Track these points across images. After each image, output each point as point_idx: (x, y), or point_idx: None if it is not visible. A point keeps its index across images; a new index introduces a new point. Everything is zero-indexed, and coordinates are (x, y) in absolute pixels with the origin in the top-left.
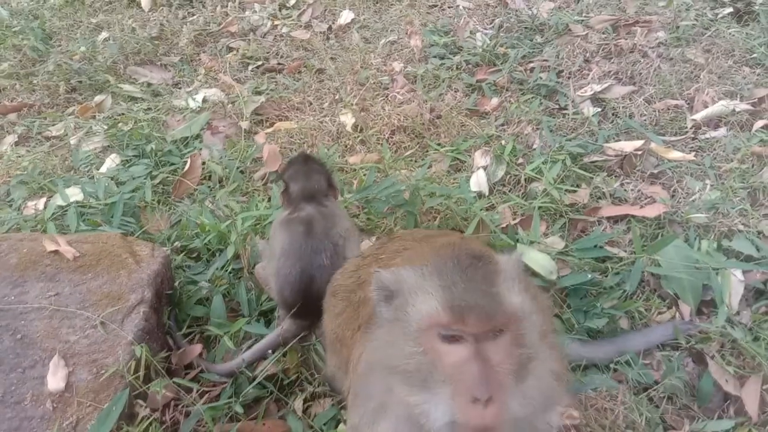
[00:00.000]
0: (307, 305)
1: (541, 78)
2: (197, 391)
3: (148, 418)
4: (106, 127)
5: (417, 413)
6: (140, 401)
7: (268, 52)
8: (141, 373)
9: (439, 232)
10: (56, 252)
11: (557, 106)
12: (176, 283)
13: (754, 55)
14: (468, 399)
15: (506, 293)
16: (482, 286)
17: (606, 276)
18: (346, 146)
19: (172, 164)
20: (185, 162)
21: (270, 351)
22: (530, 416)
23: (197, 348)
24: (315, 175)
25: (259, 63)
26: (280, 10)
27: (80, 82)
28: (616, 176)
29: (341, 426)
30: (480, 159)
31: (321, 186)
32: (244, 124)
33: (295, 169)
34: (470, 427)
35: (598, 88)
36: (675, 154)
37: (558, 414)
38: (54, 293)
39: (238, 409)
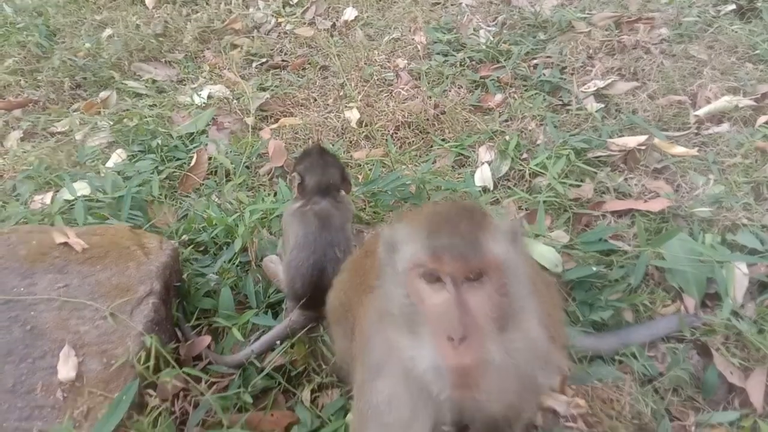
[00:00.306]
0: (315, 297)
1: (544, 74)
2: (206, 382)
3: (158, 408)
4: (111, 122)
5: (409, 365)
6: (150, 391)
7: (272, 49)
8: (151, 363)
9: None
10: (65, 244)
11: (561, 102)
12: (184, 276)
13: (757, 51)
14: (444, 338)
15: (489, 242)
16: (463, 232)
17: (611, 269)
18: (350, 142)
19: (178, 159)
20: (191, 157)
21: (278, 342)
22: (520, 373)
23: (206, 339)
24: (331, 169)
25: (264, 60)
26: (283, 7)
27: (85, 78)
28: (620, 171)
29: (349, 416)
30: (484, 154)
31: (335, 180)
32: (250, 120)
33: (310, 162)
34: (448, 367)
35: (601, 84)
36: (678, 150)
37: (555, 377)
38: (63, 284)
39: (247, 399)
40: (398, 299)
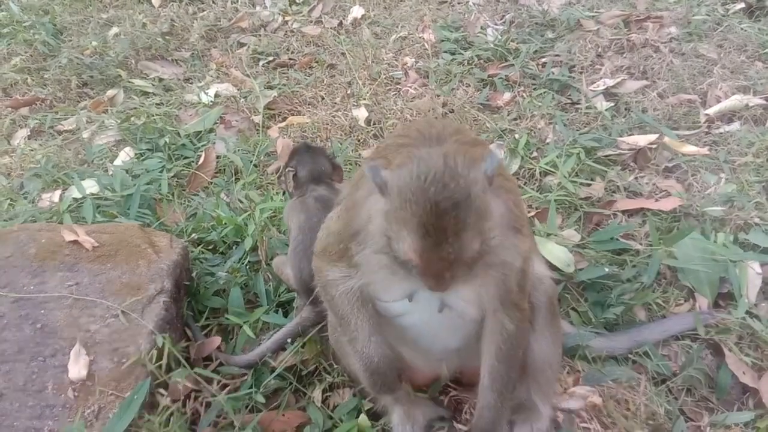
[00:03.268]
0: None
1: (553, 73)
2: (218, 383)
3: (169, 408)
4: (118, 121)
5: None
6: (161, 391)
7: (279, 48)
8: (163, 362)
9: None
10: (75, 242)
11: (570, 101)
12: (193, 274)
13: (767, 50)
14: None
15: (470, 241)
16: (455, 239)
17: (623, 269)
18: (359, 140)
19: (186, 158)
20: (199, 156)
21: (289, 340)
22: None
23: (216, 340)
24: (320, 158)
25: (270, 58)
26: (290, 5)
27: (92, 76)
28: (630, 170)
29: (362, 416)
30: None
31: (326, 167)
32: (257, 119)
33: (299, 156)
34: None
35: (610, 82)
36: (689, 148)
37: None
38: (74, 283)
39: (260, 399)
40: (383, 248)
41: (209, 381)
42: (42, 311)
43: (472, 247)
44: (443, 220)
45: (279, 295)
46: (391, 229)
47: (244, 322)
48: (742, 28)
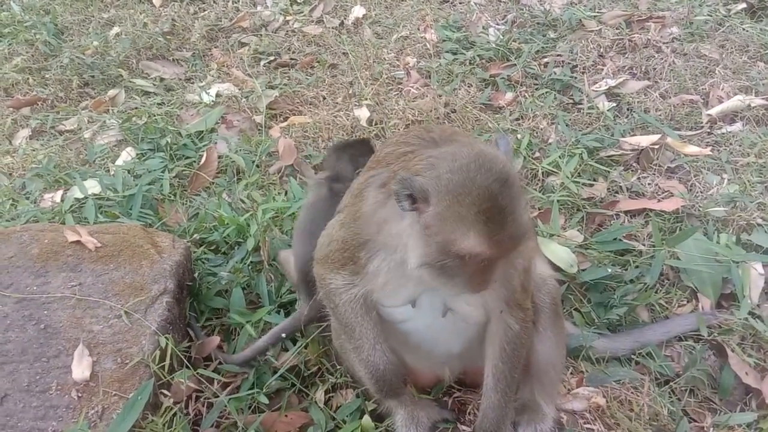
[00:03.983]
0: None
1: (555, 73)
2: (219, 383)
3: (172, 408)
4: (120, 121)
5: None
6: (165, 391)
7: (280, 48)
8: (166, 363)
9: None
10: (78, 242)
11: (572, 101)
12: (196, 275)
13: None
14: (478, 286)
15: (523, 214)
16: (512, 215)
17: (626, 269)
18: None
19: (188, 158)
20: (201, 155)
21: (283, 335)
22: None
23: (215, 340)
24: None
25: (272, 58)
26: (291, 5)
27: (93, 76)
28: (632, 170)
29: (366, 418)
30: None
31: (349, 173)
32: (259, 119)
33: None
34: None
35: (612, 82)
36: (691, 149)
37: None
38: (77, 283)
39: (263, 399)
40: (436, 259)
41: (212, 381)
42: (45, 312)
43: (527, 220)
44: (500, 201)
45: (281, 296)
46: (440, 233)
47: (247, 322)
48: (743, 29)
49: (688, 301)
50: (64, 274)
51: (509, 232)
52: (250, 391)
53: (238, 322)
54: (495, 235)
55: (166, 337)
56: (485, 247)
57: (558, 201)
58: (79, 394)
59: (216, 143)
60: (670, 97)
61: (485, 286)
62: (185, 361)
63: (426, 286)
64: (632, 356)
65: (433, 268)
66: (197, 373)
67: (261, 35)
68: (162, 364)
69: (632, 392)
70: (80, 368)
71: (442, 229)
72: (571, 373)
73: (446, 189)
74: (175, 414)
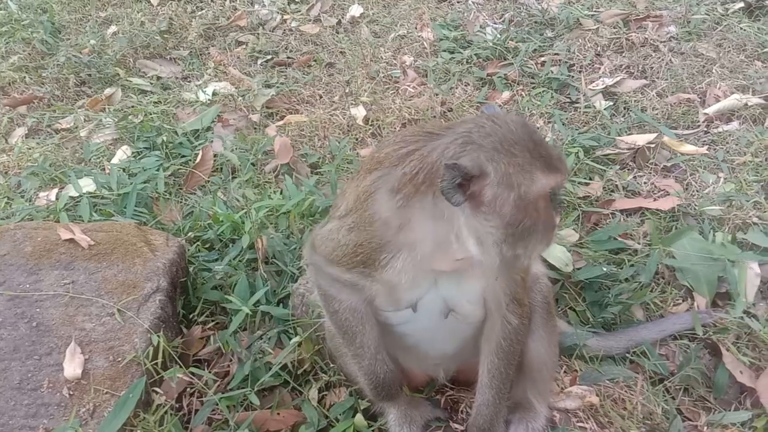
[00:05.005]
0: None
1: (552, 72)
2: (214, 382)
3: (164, 406)
4: (116, 119)
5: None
6: (156, 389)
7: (277, 46)
8: (159, 361)
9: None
10: (71, 240)
11: (569, 100)
12: (190, 270)
13: (766, 49)
14: (552, 230)
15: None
16: (548, 144)
17: (621, 268)
18: (357, 139)
19: (183, 156)
20: (196, 154)
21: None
22: None
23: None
24: None
25: (269, 57)
26: (288, 4)
27: (90, 75)
28: (629, 169)
29: (359, 416)
30: None
31: None
32: (255, 117)
33: None
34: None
35: (609, 81)
36: (688, 148)
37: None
38: (69, 281)
39: (254, 399)
40: (517, 222)
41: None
42: (38, 309)
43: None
44: (535, 136)
45: (276, 293)
46: (510, 193)
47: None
48: (741, 28)
49: (683, 300)
50: (57, 272)
51: (557, 155)
52: (241, 390)
53: (237, 307)
54: (552, 163)
55: (158, 335)
56: (553, 176)
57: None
58: (71, 392)
59: (212, 142)
60: (667, 96)
61: (555, 224)
62: (176, 359)
63: (446, 266)
64: (627, 355)
65: (513, 239)
66: (189, 371)
67: (258, 34)
68: (154, 361)
69: (626, 391)
70: (72, 366)
71: (510, 188)
72: (565, 372)
73: (494, 151)
74: (166, 411)
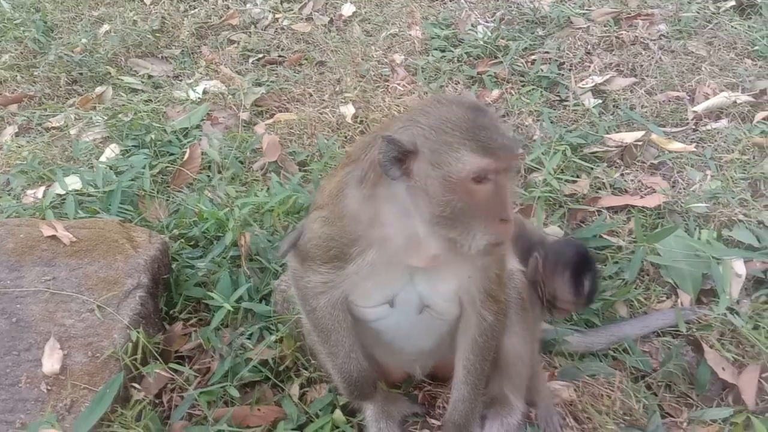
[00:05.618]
0: None
1: (542, 70)
2: (195, 377)
3: (142, 401)
4: (105, 117)
5: (454, 243)
6: (135, 385)
7: (269, 45)
8: (138, 356)
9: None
10: (53, 237)
11: (558, 98)
12: (173, 266)
13: (756, 47)
14: (497, 222)
15: (506, 131)
16: (497, 129)
17: (605, 265)
18: (345, 137)
19: (172, 154)
20: (184, 152)
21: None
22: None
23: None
24: None
25: (260, 55)
26: (281, 3)
27: (81, 74)
28: (616, 167)
29: (337, 412)
30: None
31: None
32: (244, 115)
33: None
34: (500, 242)
35: (599, 79)
36: (676, 145)
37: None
38: (50, 277)
39: (233, 392)
40: (443, 203)
41: (182, 374)
42: (18, 305)
43: (513, 137)
44: (479, 120)
45: (258, 290)
46: (438, 171)
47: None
48: (732, 26)
49: (667, 297)
50: (39, 269)
51: (500, 143)
52: (221, 384)
53: (219, 304)
54: (487, 145)
55: (137, 332)
56: (483, 158)
57: (540, 197)
58: (49, 387)
59: (200, 140)
60: (656, 94)
61: (505, 215)
62: (156, 354)
63: (420, 262)
64: (609, 352)
65: (444, 219)
66: (168, 367)
67: (250, 33)
68: (133, 357)
69: (605, 387)
70: (50, 361)
71: (438, 166)
72: (544, 368)
73: (429, 129)
74: (144, 407)
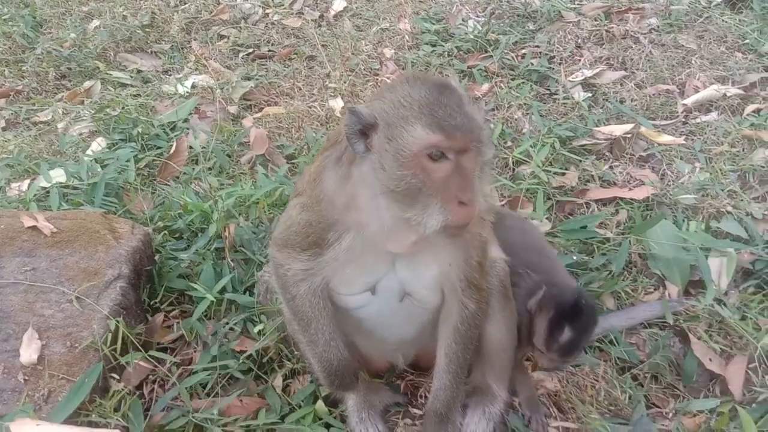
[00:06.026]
0: None
1: (532, 64)
2: (177, 367)
3: (121, 392)
4: (93, 111)
5: (411, 224)
6: (114, 375)
7: (259, 40)
8: (117, 346)
9: None
10: (34, 228)
11: (548, 92)
12: (156, 258)
13: (747, 41)
14: (455, 203)
15: (475, 113)
16: (459, 108)
17: (592, 257)
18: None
19: (158, 148)
20: (171, 145)
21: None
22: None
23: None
24: None
25: (250, 50)
26: None
27: (70, 68)
28: (605, 159)
29: (319, 402)
30: None
31: None
32: (233, 109)
33: None
34: (458, 225)
35: (589, 73)
36: (665, 138)
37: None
38: (30, 268)
39: (215, 385)
40: (399, 178)
41: (164, 363)
42: None
43: (479, 118)
44: (442, 98)
45: (243, 281)
46: (392, 144)
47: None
48: (722, 20)
49: (655, 289)
50: (19, 259)
51: (458, 122)
52: (206, 376)
53: (201, 295)
54: (443, 122)
55: (117, 321)
56: (435, 134)
57: (527, 189)
58: (26, 377)
59: (187, 134)
60: (646, 87)
61: (466, 197)
62: (138, 345)
63: (399, 248)
64: (595, 343)
65: (400, 195)
66: (149, 356)
67: (240, 27)
68: (113, 347)
69: (590, 377)
70: (28, 352)
71: (392, 140)
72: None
73: (390, 103)
74: (123, 397)
